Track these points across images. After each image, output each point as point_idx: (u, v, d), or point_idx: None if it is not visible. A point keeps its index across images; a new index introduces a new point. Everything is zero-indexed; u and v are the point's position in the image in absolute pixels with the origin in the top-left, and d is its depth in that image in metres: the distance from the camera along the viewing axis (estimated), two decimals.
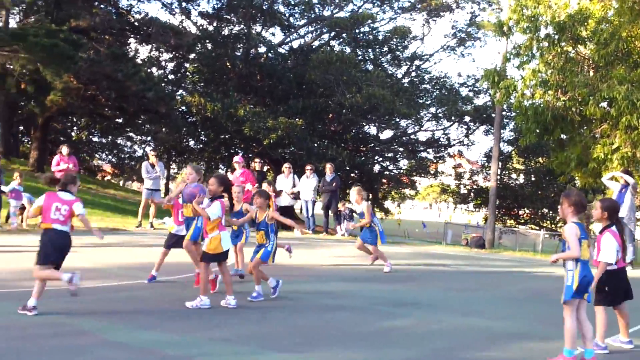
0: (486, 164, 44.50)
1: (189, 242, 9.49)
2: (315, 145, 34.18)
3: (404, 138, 43.75)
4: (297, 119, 33.48)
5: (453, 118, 41.84)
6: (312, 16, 41.80)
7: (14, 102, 36.87)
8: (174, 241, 9.82)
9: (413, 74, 44.64)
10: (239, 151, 42.05)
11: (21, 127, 51.81)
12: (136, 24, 36.28)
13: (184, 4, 41.93)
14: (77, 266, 9.98)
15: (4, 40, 25.03)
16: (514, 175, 46.45)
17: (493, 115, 33.10)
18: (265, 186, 11.97)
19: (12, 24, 36.20)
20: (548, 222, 43.27)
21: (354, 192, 12.77)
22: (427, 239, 33.33)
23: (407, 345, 6.92)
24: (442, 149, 44.42)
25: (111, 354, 5.97)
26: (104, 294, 8.94)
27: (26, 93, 31.55)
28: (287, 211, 22.49)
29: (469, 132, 43.58)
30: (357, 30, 40.71)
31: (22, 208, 16.19)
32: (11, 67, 29.83)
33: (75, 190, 7.94)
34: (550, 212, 42.23)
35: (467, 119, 41.89)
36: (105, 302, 8.40)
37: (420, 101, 41.92)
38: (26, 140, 54.34)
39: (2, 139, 38.39)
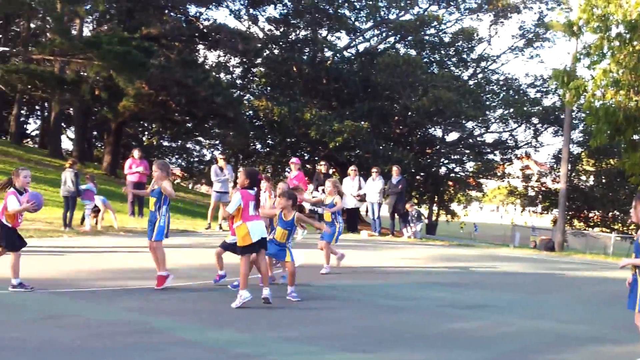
0: (555, 165, 43.67)
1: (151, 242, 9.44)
2: (381, 147, 34.17)
3: (470, 140, 43.31)
4: (362, 122, 33.55)
5: (520, 119, 41.20)
6: (378, 19, 41.77)
7: (88, 108, 38.08)
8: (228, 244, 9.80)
9: (480, 75, 44.22)
10: (305, 154, 42.39)
11: (95, 132, 53.39)
12: (205, 30, 36.96)
13: (251, 10, 42.56)
14: (150, 267, 10.32)
15: (78, 48, 25.84)
16: (583, 177, 45.43)
17: (562, 116, 32.54)
18: (282, 186, 11.80)
19: (86, 32, 37.44)
20: (619, 224, 42.16)
21: (328, 184, 11.85)
22: (494, 241, 32.85)
23: (475, 348, 6.91)
24: (510, 150, 43.82)
25: (183, 353, 6.13)
26: (175, 293, 9.17)
27: (100, 99, 32.47)
28: (352, 213, 22.61)
29: (537, 134, 42.87)
30: (422, 33, 40.52)
31: (96, 210, 16.62)
32: (85, 74, 30.78)
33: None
34: (622, 214, 41.14)
35: (535, 120, 41.21)
36: (176, 302, 8.61)
37: (487, 103, 41.45)
38: (99, 145, 55.92)
39: (77, 144, 39.67)
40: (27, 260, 10.77)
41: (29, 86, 31.74)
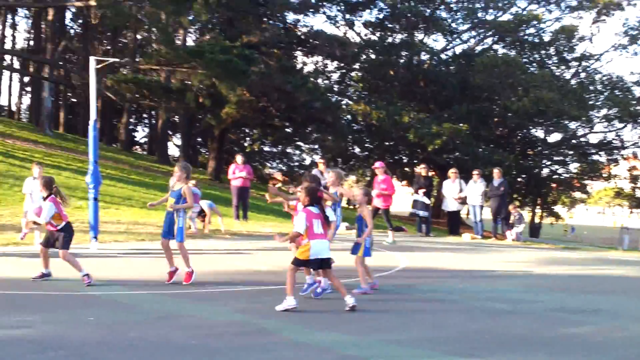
0: None
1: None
2: (481, 150, 33.67)
3: (573, 140, 42.06)
4: (461, 124, 33.17)
5: (626, 119, 39.68)
6: (475, 21, 41.21)
7: (192, 116, 39.26)
8: None
9: (582, 74, 42.87)
10: (404, 158, 42.26)
11: (199, 139, 54.96)
12: (303, 37, 37.47)
13: (347, 16, 42.80)
14: (254, 269, 10.58)
15: (183, 57, 26.67)
16: None
17: None
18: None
19: (190, 42, 38.63)
20: None
21: (331, 174, 10.73)
22: (601, 244, 31.76)
23: (588, 353, 6.72)
24: (616, 151, 42.25)
25: (293, 353, 6.23)
26: (282, 295, 9.36)
27: (203, 107, 33.42)
28: (454, 216, 22.39)
29: None
30: (521, 32, 39.69)
31: (203, 214, 17.04)
32: (190, 82, 31.76)
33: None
34: None
35: None
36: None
37: (591, 102, 40.12)
38: (204, 151, 57.50)
39: (183, 150, 40.95)
40: (140, 262, 11.29)
41: (137, 95, 33.01)
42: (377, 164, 18.54)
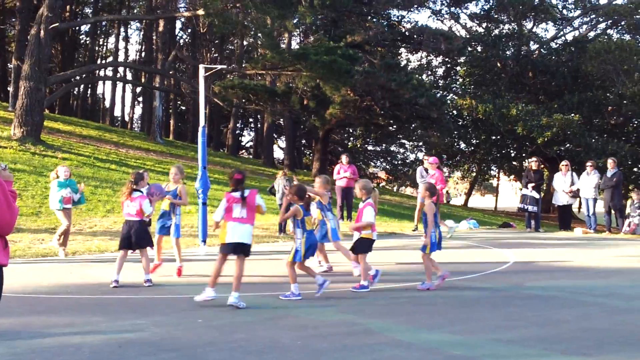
0: None
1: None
2: (594, 140, 32.45)
3: None
4: (573, 115, 32.10)
5: None
6: (588, 5, 39.74)
7: (297, 118, 39.76)
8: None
9: None
10: (512, 151, 41.27)
11: (303, 141, 55.64)
12: (407, 33, 37.24)
13: (452, 9, 42.25)
14: (348, 270, 10.62)
15: (288, 60, 27.04)
16: None
17: None
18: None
19: (294, 44, 39.17)
20: None
21: (318, 180, 10.92)
22: None
23: None
24: None
25: (399, 353, 6.21)
26: (387, 295, 9.36)
27: (308, 108, 33.80)
28: (565, 210, 21.70)
29: None
30: (638, 16, 37.93)
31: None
32: (294, 85, 32.19)
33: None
34: None
35: None
36: (388, 304, 8.78)
37: None
38: (308, 153, 58.15)
39: (288, 153, 41.57)
40: (247, 264, 11.52)
41: (244, 100, 33.80)
42: (431, 159, 18.32)
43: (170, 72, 43.42)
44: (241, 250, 8.47)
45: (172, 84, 48.91)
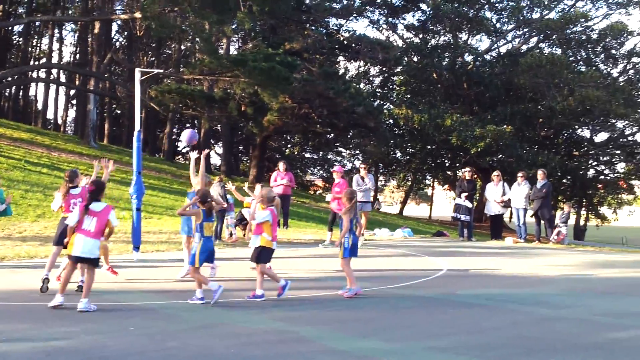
0: None
1: None
2: (525, 151, 33.25)
3: (621, 140, 41.23)
4: (505, 126, 32.80)
5: None
6: (520, 19, 40.75)
7: (235, 124, 39.58)
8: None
9: (631, 71, 42.00)
10: (446, 161, 41.96)
11: (241, 147, 55.40)
12: (345, 42, 37.49)
13: (390, 19, 42.74)
14: (294, 276, 10.61)
15: (225, 66, 26.91)
16: None
17: None
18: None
19: (232, 50, 39.01)
20: None
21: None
22: None
23: (633, 358, 6.62)
24: None
25: None
26: (322, 302, 9.36)
27: (246, 115, 33.67)
28: (497, 220, 22.16)
29: None
30: (568, 31, 39.08)
31: (243, 222, 17.06)
32: (232, 91, 32.05)
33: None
34: None
35: None
36: (322, 312, 8.76)
37: (639, 100, 39.30)
38: (245, 159, 57.93)
39: (225, 159, 41.32)
40: (179, 271, 11.42)
41: (180, 105, 33.45)
42: (337, 168, 18.57)
43: (106, 75, 42.66)
44: (87, 262, 8.50)
45: (108, 87, 48.05)
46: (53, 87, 56.69)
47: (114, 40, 51.72)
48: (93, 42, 40.30)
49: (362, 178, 18.84)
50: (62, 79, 54.21)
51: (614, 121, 38.89)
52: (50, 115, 59.15)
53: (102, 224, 8.50)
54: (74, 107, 57.95)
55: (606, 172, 42.16)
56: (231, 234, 17.16)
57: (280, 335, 7.26)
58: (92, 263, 8.50)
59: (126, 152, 37.47)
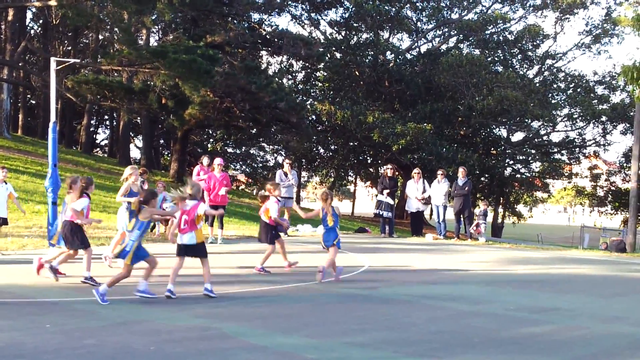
0: (625, 164, 42.54)
1: None
2: (445, 149, 33.90)
3: (536, 140, 42.60)
4: (425, 124, 33.35)
5: (588, 118, 40.31)
6: (440, 19, 41.49)
7: (155, 117, 38.87)
8: None
9: (545, 73, 43.46)
10: (368, 158, 42.35)
11: (162, 141, 54.49)
12: (268, 37, 37.32)
13: (313, 15, 42.78)
14: (220, 272, 10.51)
15: (145, 57, 26.35)
16: None
17: (632, 113, 31.69)
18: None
19: (153, 42, 38.28)
20: None
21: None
22: (562, 243, 32.19)
23: (547, 352, 6.79)
24: (577, 150, 42.91)
25: (253, 357, 6.21)
26: (244, 299, 9.32)
27: (166, 108, 33.11)
28: (417, 217, 22.50)
29: (606, 132, 41.91)
30: (486, 32, 40.05)
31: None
32: (152, 83, 31.45)
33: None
34: None
35: (603, 118, 40.25)
36: (244, 308, 8.74)
37: (554, 101, 40.66)
38: (166, 153, 57.04)
39: (145, 152, 40.57)
40: (98, 267, 11.14)
41: (99, 96, 32.58)
42: (217, 160, 16.76)
43: (20, 64, 41.20)
44: None
45: (22, 77, 46.41)
46: None
47: (29, 28, 49.95)
48: (6, 30, 38.88)
49: (286, 174, 18.83)
50: None
51: (529, 121, 40.07)
52: None
53: None
54: None
55: (522, 170, 43.42)
56: (153, 228, 16.86)
57: (202, 332, 7.19)
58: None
59: (41, 144, 36.34)
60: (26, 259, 11.68)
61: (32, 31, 51.77)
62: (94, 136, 62.30)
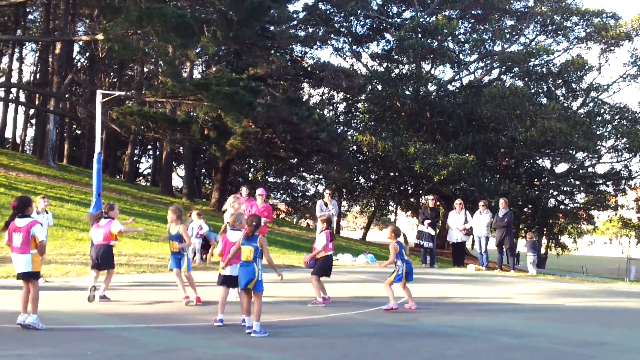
0: None
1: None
2: (487, 180, 33.57)
3: (580, 171, 41.89)
4: (467, 155, 33.11)
5: (635, 149, 39.53)
6: (483, 51, 41.38)
7: (197, 147, 39.33)
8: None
9: (590, 104, 42.86)
10: (409, 188, 42.14)
11: (203, 170, 55.09)
12: (309, 69, 37.63)
13: (354, 47, 43.08)
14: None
15: (189, 90, 26.73)
16: None
17: None
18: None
19: (196, 74, 38.88)
20: None
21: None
22: (608, 275, 31.49)
23: None
24: (623, 181, 42.08)
25: None
26: (281, 329, 9.26)
27: (209, 138, 33.48)
28: (459, 247, 22.28)
29: None
30: (530, 64, 39.79)
31: (206, 246, 16.92)
32: (195, 114, 31.85)
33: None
34: None
35: None
36: (285, 337, 8.68)
37: (598, 133, 40.04)
38: (207, 182, 57.55)
39: (187, 182, 40.99)
40: (141, 294, 11.22)
41: (142, 127, 33.13)
42: (260, 191, 16.46)
43: (66, 96, 42.16)
44: (23, 277, 8.55)
45: (68, 108, 47.47)
46: (12, 106, 55.88)
47: (76, 60, 51.18)
48: (54, 62, 39.85)
49: (326, 204, 18.83)
50: (22, 98, 53.34)
51: (574, 152, 39.50)
52: (8, 134, 58.20)
53: (26, 239, 8.44)
54: (33, 127, 57.16)
55: (566, 202, 42.68)
56: (194, 256, 16.95)
57: None
58: (28, 277, 8.51)
59: (86, 173, 36.96)
60: (69, 286, 11.83)
61: (79, 64, 53.02)
62: (137, 165, 63.26)
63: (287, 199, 56.54)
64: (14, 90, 53.74)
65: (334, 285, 12.78)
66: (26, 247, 8.41)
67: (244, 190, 19.51)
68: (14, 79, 54.82)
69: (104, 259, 10.67)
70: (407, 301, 11.37)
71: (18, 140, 58.34)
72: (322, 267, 11.63)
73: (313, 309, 10.89)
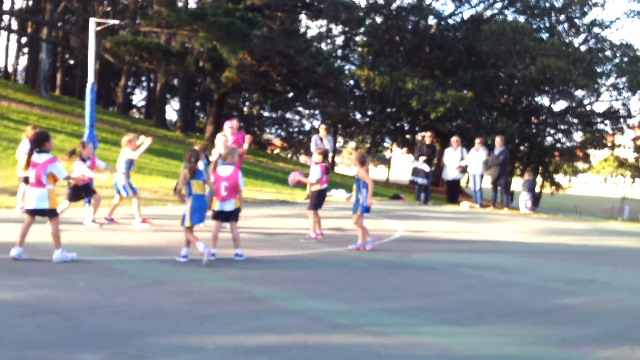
0: None
1: None
2: (484, 117, 33.43)
3: (579, 109, 41.69)
4: (465, 92, 32.89)
5: (635, 88, 39.23)
6: None
7: (192, 79, 38.95)
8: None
9: (591, 42, 42.32)
10: (405, 125, 41.99)
11: (198, 103, 54.69)
12: (307, 0, 36.98)
13: None
14: (252, 237, 10.51)
15: (184, 20, 26.32)
16: None
17: None
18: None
19: (192, 4, 38.18)
20: None
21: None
22: (601, 214, 31.68)
23: (580, 324, 6.66)
24: (621, 120, 41.93)
25: (284, 321, 6.18)
26: (275, 263, 9.29)
27: (203, 70, 33.12)
28: (454, 185, 22.28)
29: None
30: None
31: None
32: (190, 45, 31.42)
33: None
34: None
35: None
36: (276, 272, 8.70)
37: (599, 71, 39.65)
38: (202, 116, 57.23)
39: (181, 114, 40.77)
40: (133, 227, 11.21)
41: (136, 58, 32.66)
42: (229, 123, 14.38)
43: (59, 24, 41.47)
44: (40, 213, 8.48)
45: (61, 36, 46.74)
46: (4, 34, 55.06)
47: None
48: None
49: (321, 139, 18.69)
50: (14, 26, 52.50)
51: (572, 90, 39.22)
52: (0, 63, 57.52)
53: (40, 175, 8.30)
54: (26, 56, 56.41)
55: (563, 140, 42.60)
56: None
57: (233, 294, 7.19)
58: (44, 214, 8.46)
59: (79, 104, 36.67)
60: (62, 218, 11.79)
61: None
62: (131, 97, 62.74)
63: (282, 134, 56.38)
64: (5, 17, 52.78)
65: (329, 221, 12.80)
66: (41, 183, 8.29)
67: (234, 122, 19.20)
68: (6, 6, 53.81)
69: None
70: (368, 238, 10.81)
71: (10, 70, 57.66)
72: (318, 200, 11.58)
73: (305, 244, 10.92)
